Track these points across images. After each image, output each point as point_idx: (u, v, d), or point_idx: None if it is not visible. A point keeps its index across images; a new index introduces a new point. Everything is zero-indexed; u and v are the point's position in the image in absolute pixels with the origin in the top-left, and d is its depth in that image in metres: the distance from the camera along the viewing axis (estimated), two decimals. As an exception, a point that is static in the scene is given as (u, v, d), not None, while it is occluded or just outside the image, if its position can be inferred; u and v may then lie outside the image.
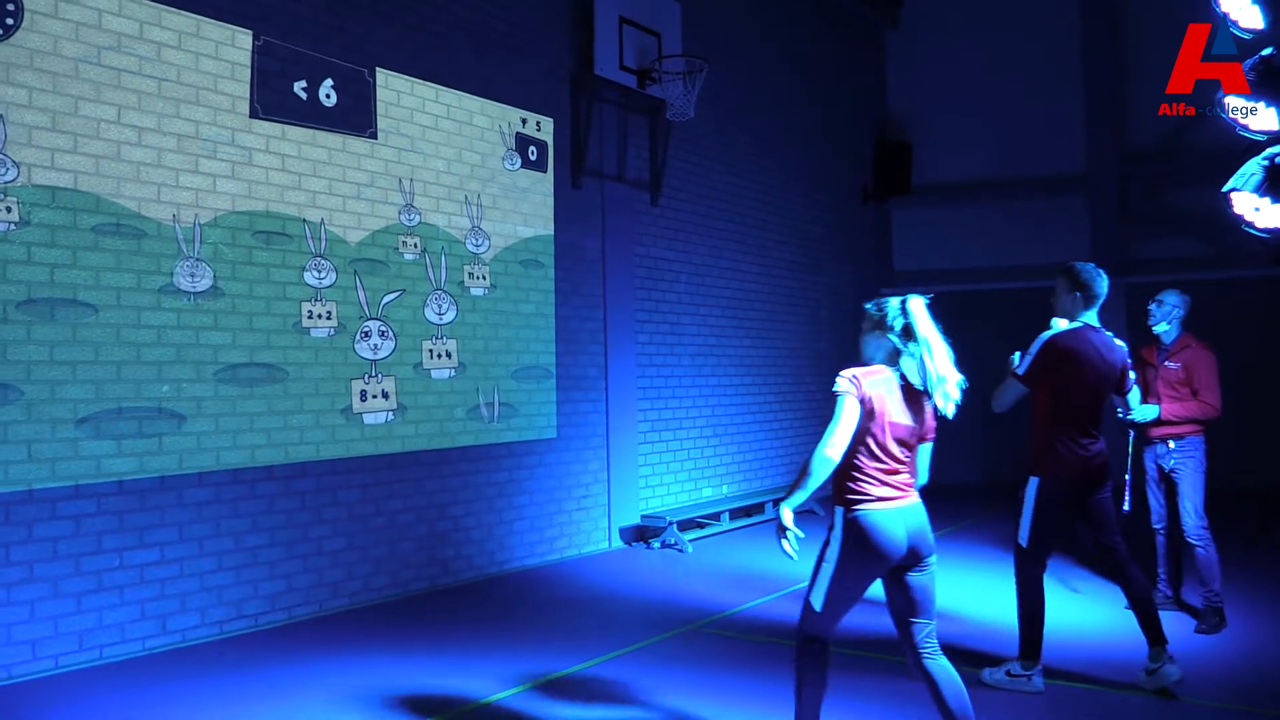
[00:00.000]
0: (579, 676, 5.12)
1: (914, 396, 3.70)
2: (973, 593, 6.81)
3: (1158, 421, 6.05)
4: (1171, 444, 6.04)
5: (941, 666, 3.64)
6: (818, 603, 3.65)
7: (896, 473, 3.65)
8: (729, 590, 7.07)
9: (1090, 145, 12.81)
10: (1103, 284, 4.94)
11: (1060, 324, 4.95)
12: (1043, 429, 4.88)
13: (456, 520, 7.41)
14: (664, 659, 5.44)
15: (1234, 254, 11.49)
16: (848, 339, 12.57)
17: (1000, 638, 5.64)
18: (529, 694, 4.85)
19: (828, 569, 3.63)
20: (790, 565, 7.74)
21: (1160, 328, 6.14)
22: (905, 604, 3.69)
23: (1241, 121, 4.65)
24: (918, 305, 3.67)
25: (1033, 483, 4.86)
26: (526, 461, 8.03)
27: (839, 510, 3.65)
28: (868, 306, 3.81)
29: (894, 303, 3.71)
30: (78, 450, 5.31)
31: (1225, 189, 4.69)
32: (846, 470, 3.64)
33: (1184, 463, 5.99)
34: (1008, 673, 4.86)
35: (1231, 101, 4.60)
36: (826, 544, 3.66)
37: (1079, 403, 4.82)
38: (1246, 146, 4.78)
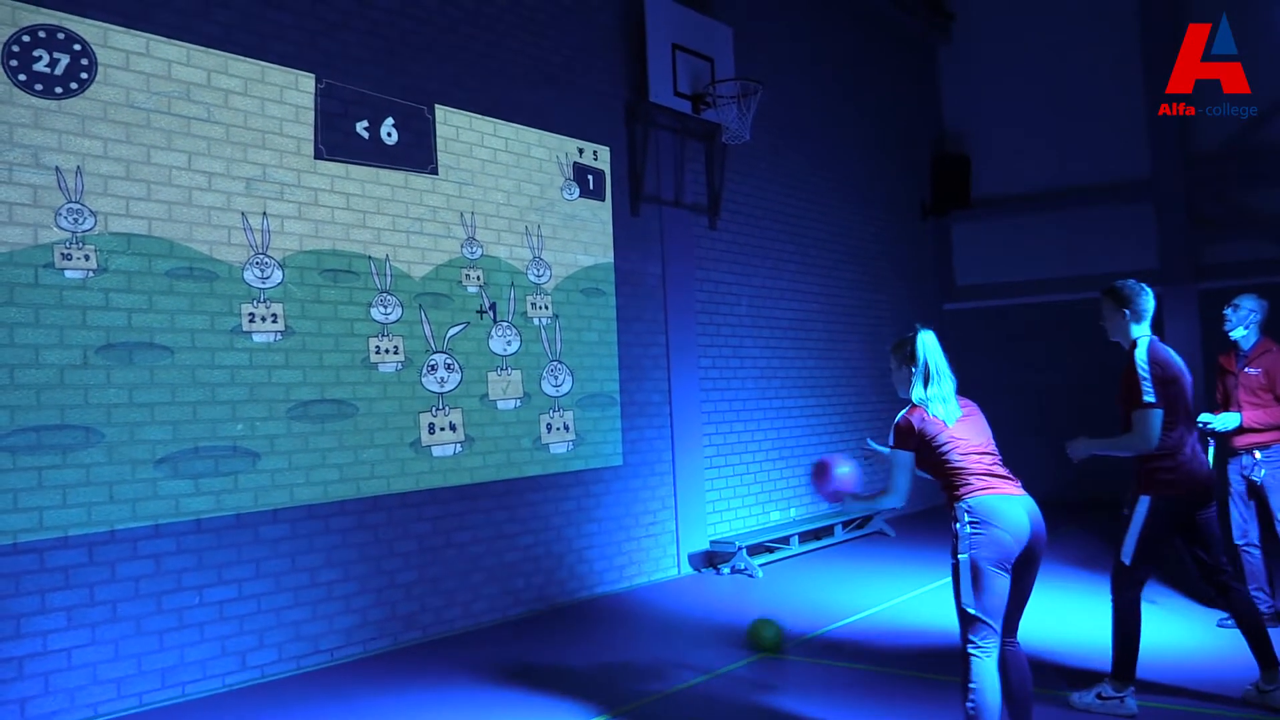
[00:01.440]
0: (665, 702, 5.07)
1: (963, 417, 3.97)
2: (1055, 612, 6.64)
3: (1239, 430, 5.87)
4: (1258, 454, 5.85)
5: (1020, 654, 3.91)
6: (968, 603, 3.71)
7: (991, 470, 3.83)
8: (802, 614, 6.97)
9: (1154, 149, 12.55)
10: (1148, 299, 4.74)
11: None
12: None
13: (526, 550, 7.42)
14: (744, 684, 5.37)
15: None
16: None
17: (1088, 658, 5.48)
18: (607, 725, 4.81)
19: (963, 568, 3.72)
20: (864, 589, 7.65)
21: (1238, 333, 5.97)
22: (1017, 595, 3.83)
23: None
24: (930, 340, 4.04)
25: (1143, 501, 4.62)
26: (594, 490, 8.02)
27: (956, 506, 3.80)
28: (891, 349, 4.17)
29: (916, 338, 4.05)
30: (157, 490, 5.42)
31: None
32: (945, 484, 3.87)
33: (1274, 471, 5.80)
34: (1099, 695, 4.71)
35: None
36: (955, 547, 3.76)
37: (1183, 416, 4.63)
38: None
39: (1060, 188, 13.05)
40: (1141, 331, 4.73)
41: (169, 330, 5.51)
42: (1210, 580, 4.76)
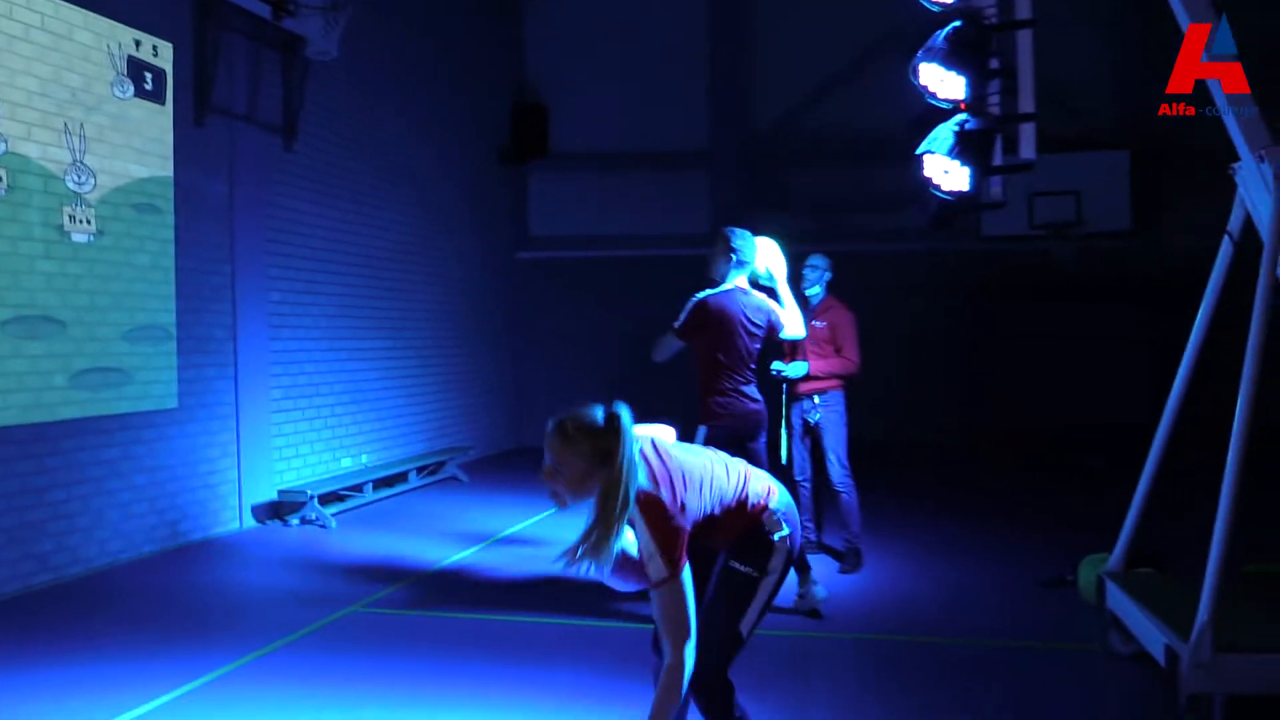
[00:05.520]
0: (221, 684, 4.47)
1: None
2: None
3: (805, 378, 6.42)
4: (816, 399, 6.43)
5: None
6: (748, 627, 2.93)
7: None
8: (380, 567, 6.62)
9: (712, 123, 13.51)
10: (752, 250, 5.29)
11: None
12: (704, 383, 5.19)
13: (56, 506, 6.30)
14: (321, 648, 4.92)
15: (840, 230, 12.66)
16: (480, 301, 12.39)
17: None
18: (156, 714, 4.15)
19: (768, 586, 2.96)
20: (444, 538, 7.43)
21: (813, 290, 6.50)
22: None
23: (931, 90, 4.96)
24: None
25: (701, 431, 5.14)
26: (144, 435, 7.01)
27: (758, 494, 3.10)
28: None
29: None
30: None
31: (919, 151, 5.00)
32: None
33: (828, 415, 6.40)
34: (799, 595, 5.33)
35: (924, 71, 4.89)
36: (766, 556, 2.96)
37: (732, 359, 5.14)
38: (926, 116, 5.11)
39: (631, 150, 13.61)
40: (734, 281, 5.07)
41: None
42: None
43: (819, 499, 6.72)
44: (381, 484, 9.42)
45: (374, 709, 4.08)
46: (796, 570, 5.31)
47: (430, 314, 11.20)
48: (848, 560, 6.35)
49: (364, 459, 9.69)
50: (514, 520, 8.08)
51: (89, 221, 6.56)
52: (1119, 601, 4.58)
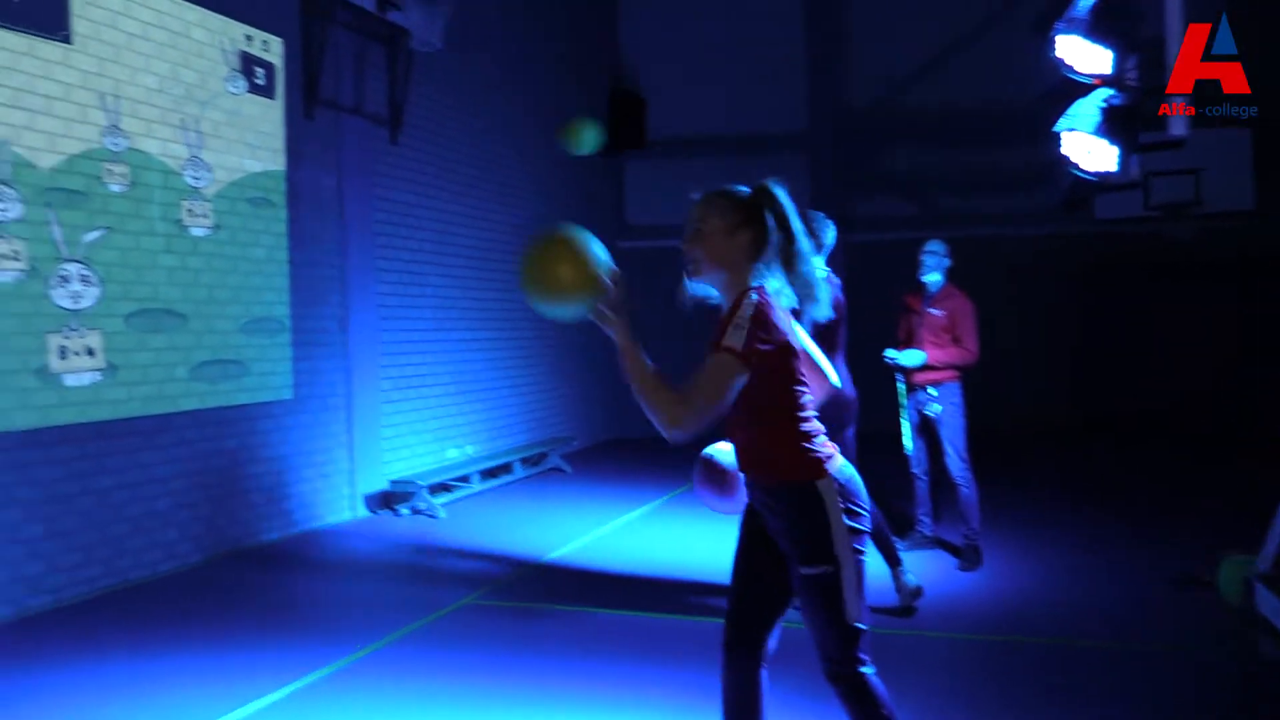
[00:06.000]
0: (344, 673, 4.48)
1: None
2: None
3: (922, 368, 6.18)
4: (933, 390, 6.19)
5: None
6: (857, 616, 2.65)
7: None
8: (490, 558, 6.60)
9: (811, 103, 13.24)
10: (831, 233, 5.19)
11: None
12: None
13: (180, 496, 6.42)
14: (435, 642, 4.90)
15: (942, 214, 12.29)
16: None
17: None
18: (285, 704, 4.17)
19: (847, 573, 2.65)
20: (553, 527, 7.40)
21: (932, 277, 6.25)
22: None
23: (1070, 63, 4.69)
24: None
25: None
26: (260, 426, 7.12)
27: (813, 480, 2.70)
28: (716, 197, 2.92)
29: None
30: None
31: (1057, 128, 4.72)
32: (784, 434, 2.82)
33: (946, 407, 6.16)
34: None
35: (1062, 42, 4.63)
36: (828, 543, 2.64)
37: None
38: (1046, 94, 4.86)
39: (727, 134, 13.43)
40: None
41: None
42: None
43: (937, 493, 6.48)
44: (487, 475, 9.45)
45: (488, 704, 4.02)
46: (886, 561, 5.09)
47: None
48: (966, 557, 6.09)
49: (469, 450, 9.72)
50: (619, 512, 8.00)
51: (207, 216, 6.66)
52: (1271, 605, 4.29)
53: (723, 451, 2.99)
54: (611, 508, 8.19)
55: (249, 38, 7.04)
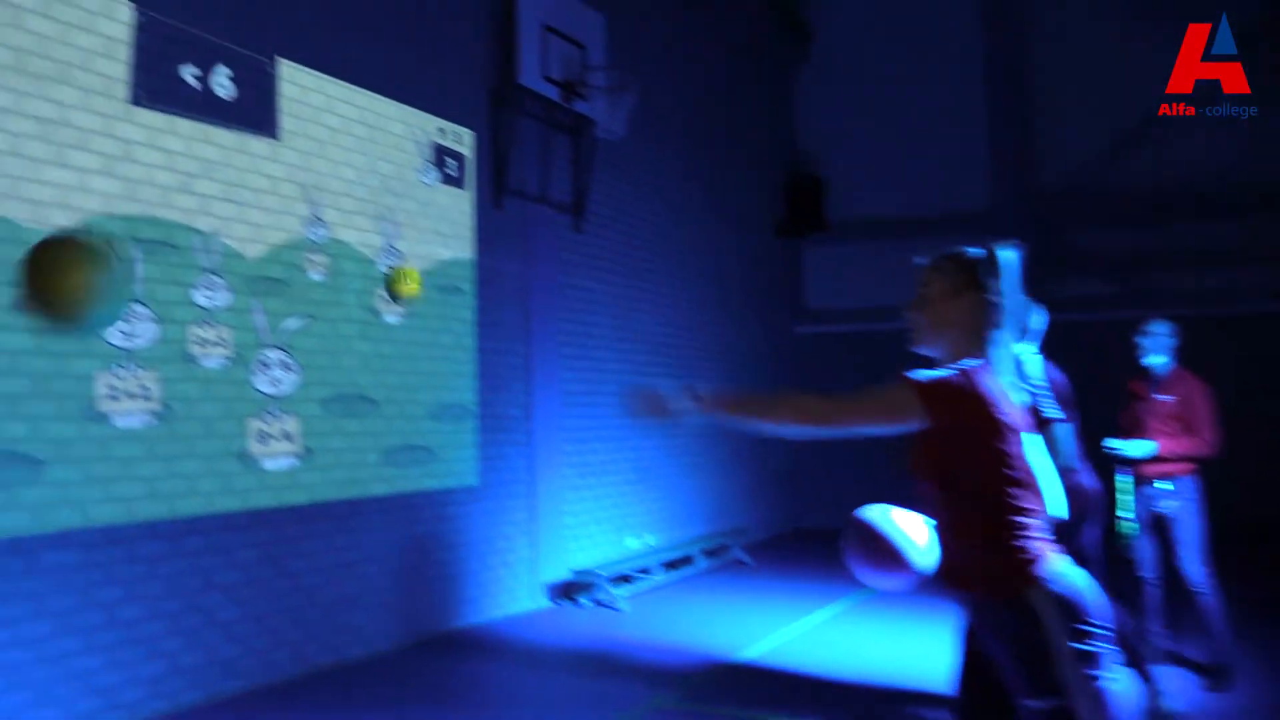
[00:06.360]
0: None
1: None
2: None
3: (1152, 460, 5.56)
4: (1165, 485, 5.55)
5: None
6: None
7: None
8: (676, 656, 6.26)
9: (994, 182, 12.71)
10: (1039, 317, 4.85)
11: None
12: None
13: (368, 581, 6.41)
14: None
15: (1144, 294, 11.45)
16: (759, 378, 12.04)
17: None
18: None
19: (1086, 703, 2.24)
20: (740, 623, 7.02)
21: (1157, 360, 5.67)
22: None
23: None
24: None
25: None
26: (446, 513, 7.08)
27: (1033, 586, 2.34)
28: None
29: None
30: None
31: None
32: (995, 526, 2.48)
33: (1180, 504, 5.51)
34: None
35: None
36: (1059, 672, 2.22)
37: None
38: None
39: (908, 215, 13.01)
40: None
41: (-73, 300, 4.31)
42: None
43: (1172, 601, 5.76)
44: (668, 566, 9.15)
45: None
46: (1140, 677, 4.54)
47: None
48: (1213, 676, 5.34)
49: (650, 539, 9.47)
50: (810, 609, 7.55)
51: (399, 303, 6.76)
52: None
53: (882, 513, 2.71)
54: (801, 604, 7.74)
55: (442, 130, 7.22)
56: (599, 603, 7.86)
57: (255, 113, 5.82)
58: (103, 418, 4.92)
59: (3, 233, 4.57)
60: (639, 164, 9.73)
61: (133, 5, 5.16)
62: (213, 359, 5.48)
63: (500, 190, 7.73)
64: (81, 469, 4.82)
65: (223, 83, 5.62)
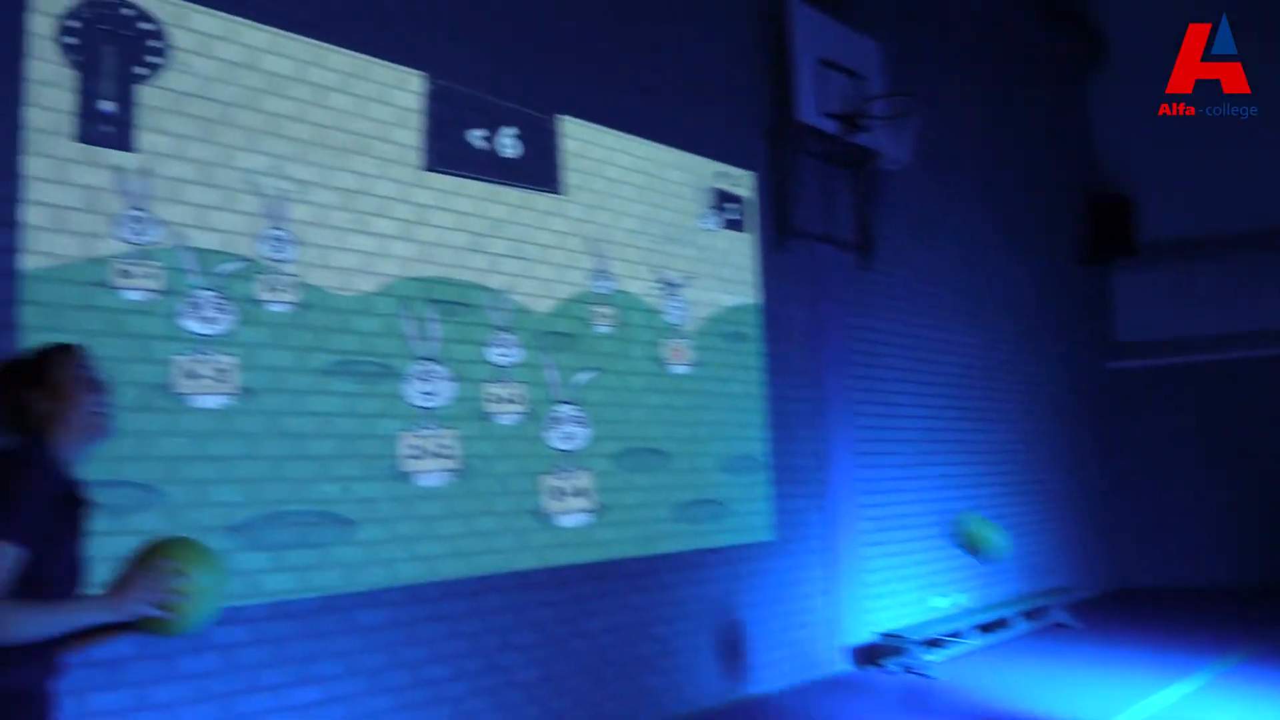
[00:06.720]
0: None
1: None
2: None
3: None
4: None
5: None
6: None
7: None
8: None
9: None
10: None
11: None
12: None
13: (664, 643, 6.16)
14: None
15: None
16: (1069, 420, 10.97)
17: None
18: None
19: None
20: (1080, 696, 6.13)
21: None
22: None
23: None
24: None
25: None
26: (741, 570, 6.75)
27: None
28: None
29: None
30: (228, 564, 4.35)
31: None
32: None
33: None
34: None
35: None
36: None
37: None
38: None
39: (1236, 231, 11.52)
40: None
41: (247, 367, 4.51)
42: None
43: None
44: (982, 629, 8.34)
45: None
46: None
47: (1016, 436, 10.06)
48: None
49: (960, 599, 8.70)
50: (1159, 682, 6.57)
51: (686, 353, 6.57)
52: None
53: None
54: (1146, 675, 6.77)
55: (721, 174, 7.02)
56: (909, 669, 7.23)
57: (539, 169, 5.84)
58: (406, 477, 4.99)
59: (314, 300, 4.74)
60: (925, 194, 9.14)
61: (424, 75, 5.31)
62: (507, 416, 5.47)
63: (783, 231, 7.43)
64: (388, 528, 4.89)
65: (508, 142, 5.68)
